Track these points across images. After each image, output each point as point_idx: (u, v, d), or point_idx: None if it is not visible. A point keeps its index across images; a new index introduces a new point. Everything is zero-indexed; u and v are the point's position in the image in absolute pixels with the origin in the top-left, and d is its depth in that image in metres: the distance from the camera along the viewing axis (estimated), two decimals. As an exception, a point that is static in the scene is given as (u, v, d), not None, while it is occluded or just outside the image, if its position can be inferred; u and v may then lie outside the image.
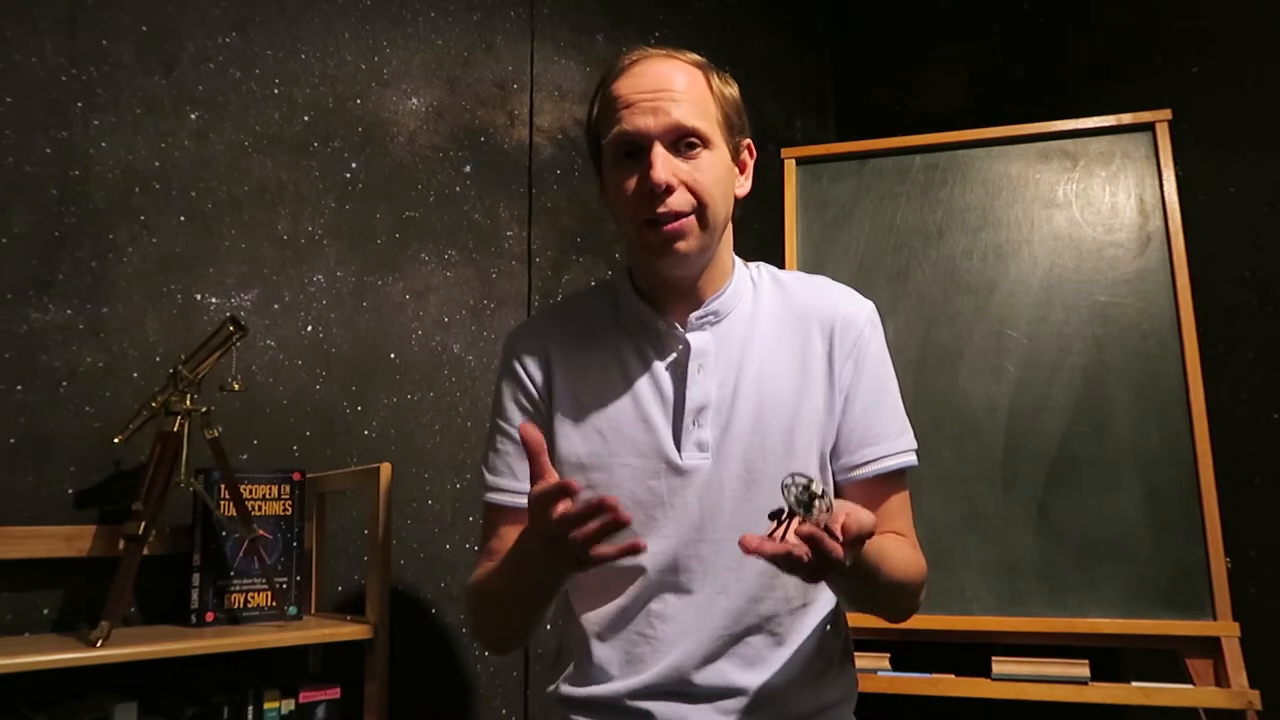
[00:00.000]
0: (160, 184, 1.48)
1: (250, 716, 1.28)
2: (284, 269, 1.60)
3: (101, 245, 1.41)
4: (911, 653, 1.83)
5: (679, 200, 0.99)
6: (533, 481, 0.84)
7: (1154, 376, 1.76)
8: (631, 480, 1.03)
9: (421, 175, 1.79)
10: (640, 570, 1.03)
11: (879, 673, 1.76)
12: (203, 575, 1.34)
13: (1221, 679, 1.60)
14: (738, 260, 1.12)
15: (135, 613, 1.37)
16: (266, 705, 1.29)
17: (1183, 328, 1.75)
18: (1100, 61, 2.19)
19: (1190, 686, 1.62)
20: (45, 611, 1.31)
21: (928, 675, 1.73)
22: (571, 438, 1.06)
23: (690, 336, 1.06)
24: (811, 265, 1.99)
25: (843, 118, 2.66)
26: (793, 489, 0.78)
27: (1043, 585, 1.74)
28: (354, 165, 1.71)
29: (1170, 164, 1.82)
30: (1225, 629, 1.62)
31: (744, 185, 1.10)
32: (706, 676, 1.01)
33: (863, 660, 1.76)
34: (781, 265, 1.97)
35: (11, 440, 1.31)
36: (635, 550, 0.81)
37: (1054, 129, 1.91)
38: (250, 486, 1.39)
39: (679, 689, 1.01)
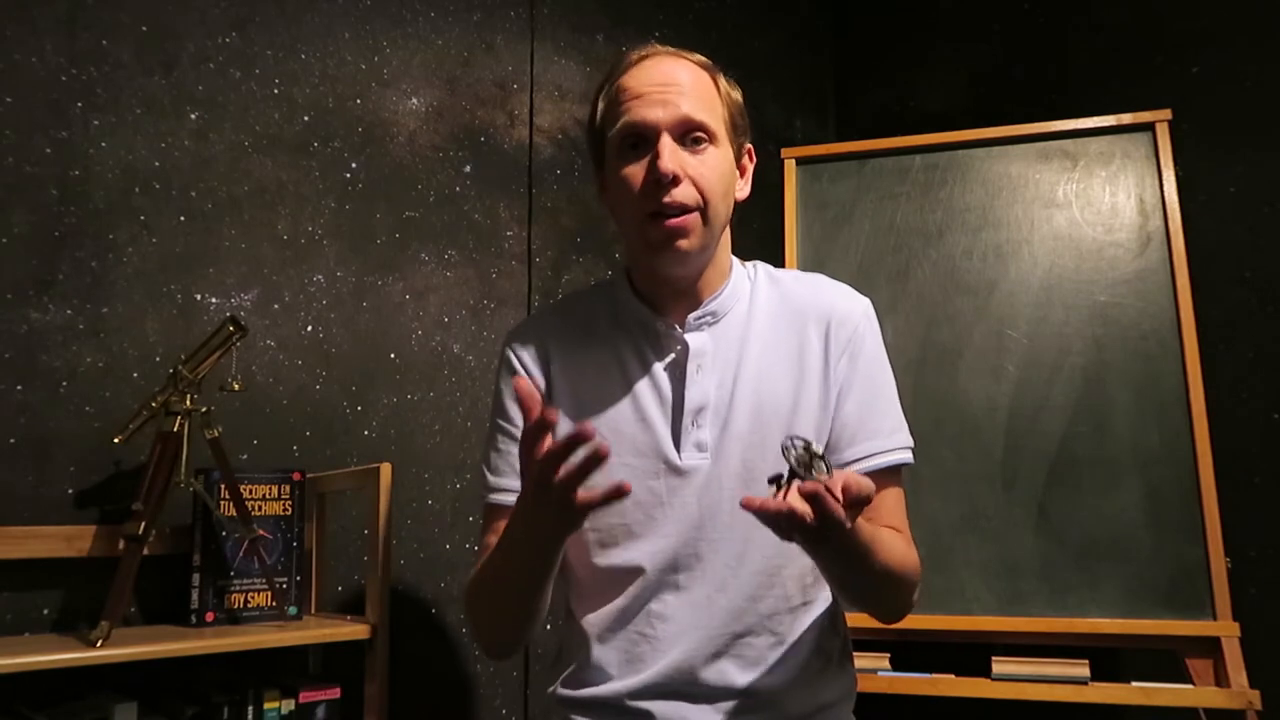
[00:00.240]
0: (160, 184, 1.48)
1: (250, 716, 1.28)
2: (284, 269, 1.60)
3: (101, 245, 1.41)
4: (911, 653, 1.83)
5: (684, 193, 0.99)
6: (525, 419, 0.81)
7: (1154, 376, 1.76)
8: (631, 480, 1.03)
9: (421, 175, 1.80)
10: (639, 570, 1.03)
11: (879, 673, 1.77)
12: (203, 575, 1.33)
13: (1221, 679, 1.60)
14: (735, 260, 1.13)
15: (135, 613, 1.37)
16: (266, 705, 1.29)
17: (1183, 328, 1.75)
18: (1100, 61, 2.19)
19: (1190, 686, 1.62)
20: (45, 611, 1.31)
21: (928, 675, 1.73)
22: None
23: (688, 337, 1.06)
24: (811, 265, 1.99)
25: (843, 118, 2.66)
26: (793, 450, 0.78)
27: (1043, 585, 1.74)
28: (354, 165, 1.71)
29: (1170, 164, 1.82)
30: (1225, 629, 1.62)
31: (744, 189, 1.10)
32: (706, 676, 1.01)
33: (863, 660, 1.76)
34: (781, 265, 1.97)
35: (11, 440, 1.31)
36: (621, 493, 0.79)
37: (1054, 129, 1.91)
38: (250, 486, 1.39)
39: (679, 688, 1.01)
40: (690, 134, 1.01)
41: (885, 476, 1.06)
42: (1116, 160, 1.87)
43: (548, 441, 0.80)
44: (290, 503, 1.43)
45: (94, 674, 1.26)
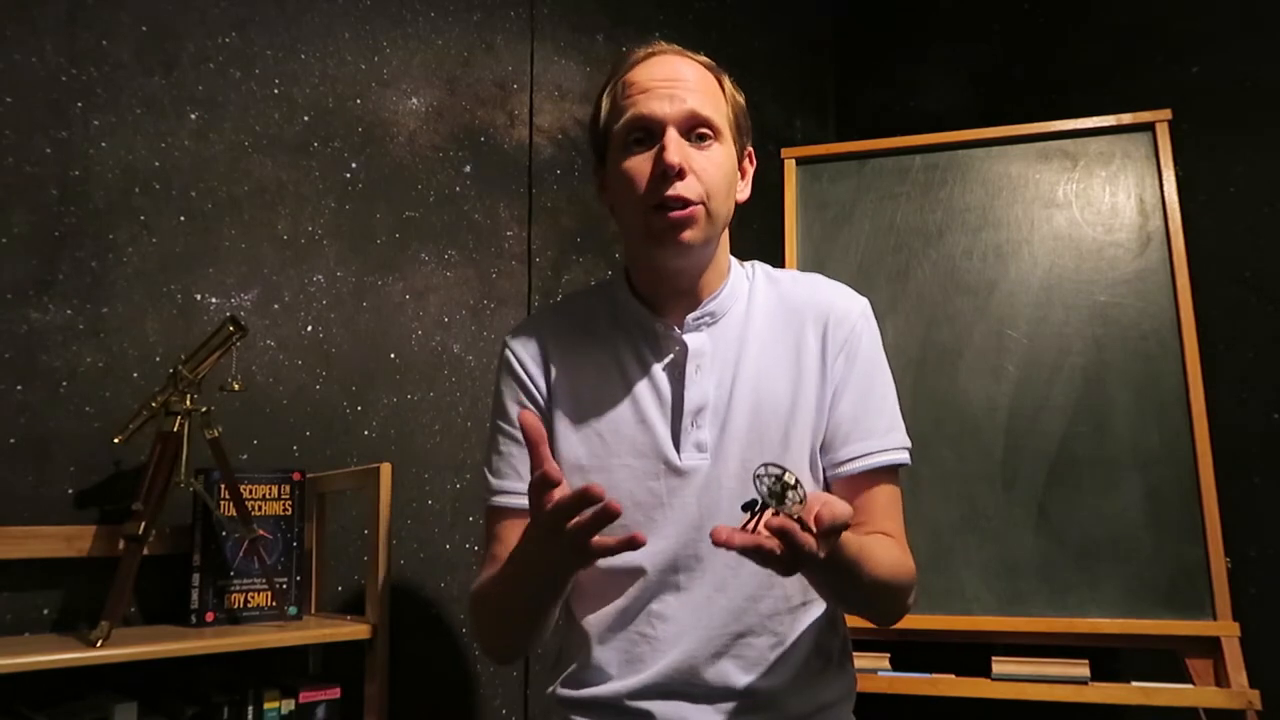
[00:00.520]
0: (160, 184, 1.48)
1: (250, 716, 1.28)
2: (284, 269, 1.60)
3: (101, 245, 1.41)
4: (911, 653, 1.83)
5: (688, 187, 0.99)
6: (533, 471, 0.83)
7: (1154, 376, 1.76)
8: (631, 481, 1.03)
9: (421, 175, 1.80)
10: (640, 571, 1.03)
11: (879, 673, 1.77)
12: (203, 575, 1.33)
13: (1221, 679, 1.60)
14: (733, 260, 1.13)
15: (135, 613, 1.37)
16: (266, 705, 1.29)
17: (1183, 328, 1.75)
18: (1100, 61, 2.19)
19: (1190, 686, 1.62)
20: (45, 611, 1.31)
21: (928, 675, 1.73)
22: (570, 439, 1.06)
23: (687, 338, 1.06)
24: (811, 265, 1.99)
25: (843, 118, 2.66)
26: (765, 479, 0.77)
27: (1043, 585, 1.74)
28: (354, 165, 1.71)
29: (1170, 164, 1.82)
30: (1225, 629, 1.62)
31: (744, 190, 1.10)
32: (706, 676, 1.01)
33: (863, 660, 1.76)
34: (781, 265, 1.97)
35: (11, 440, 1.31)
36: (635, 544, 0.79)
37: (1054, 129, 1.91)
38: (250, 486, 1.39)
39: (679, 689, 1.01)
40: (696, 129, 1.01)
41: (879, 477, 1.06)
42: (1116, 160, 1.87)
43: (557, 493, 0.80)
44: (290, 503, 1.43)
45: (94, 674, 1.26)
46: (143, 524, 1.22)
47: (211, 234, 1.53)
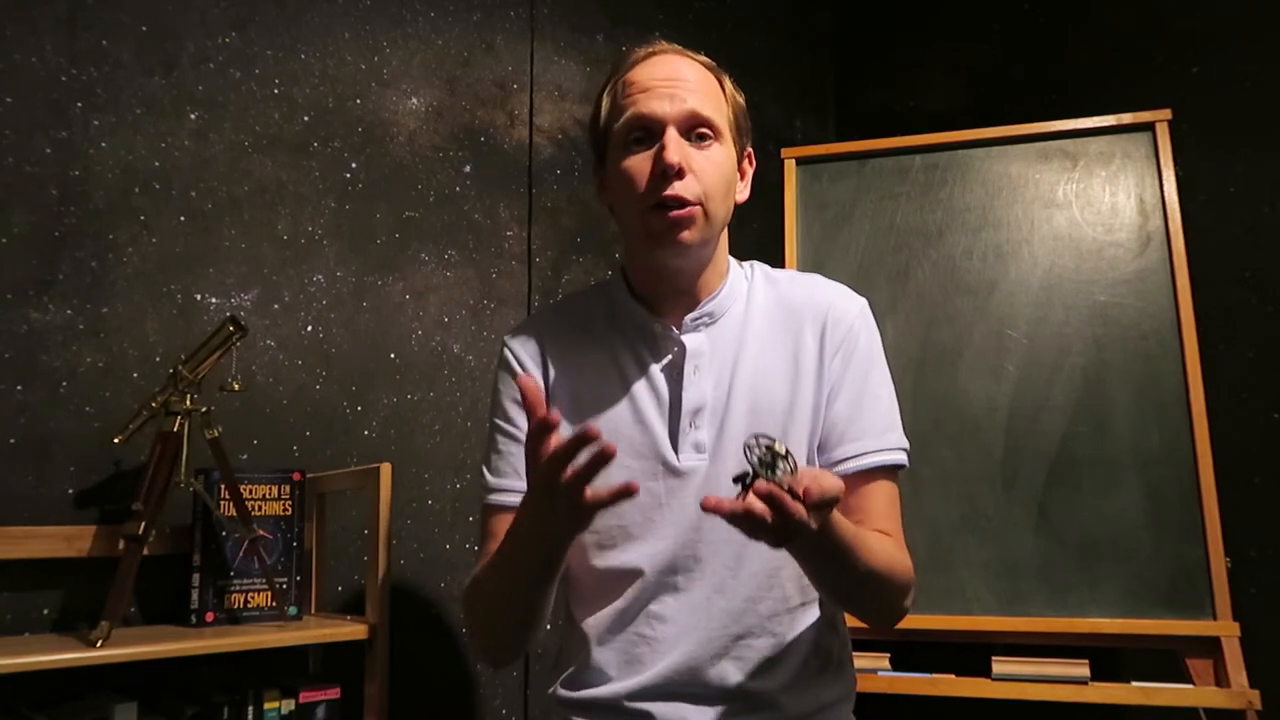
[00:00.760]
0: (160, 184, 1.48)
1: (250, 716, 1.28)
2: (284, 269, 1.60)
3: (101, 245, 1.41)
4: (911, 653, 1.83)
5: (687, 187, 0.99)
6: (530, 418, 0.81)
7: (1154, 376, 1.76)
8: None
9: (421, 175, 1.80)
10: (638, 572, 1.03)
11: (879, 673, 1.77)
12: (203, 575, 1.33)
13: (1221, 679, 1.60)
14: (732, 260, 1.13)
15: (135, 613, 1.37)
16: (266, 705, 1.29)
17: (1183, 328, 1.75)
18: (1100, 61, 2.19)
19: (1190, 686, 1.62)
20: (45, 611, 1.31)
21: (928, 675, 1.73)
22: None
23: (685, 338, 1.06)
24: (811, 265, 1.99)
25: (843, 118, 2.66)
26: (755, 450, 0.76)
27: (1043, 585, 1.74)
28: (354, 165, 1.71)
29: (1170, 164, 1.82)
30: (1225, 629, 1.62)
31: (743, 191, 1.10)
32: (706, 677, 1.01)
33: (863, 660, 1.76)
34: (782, 265, 1.98)
35: (11, 440, 1.31)
36: (629, 492, 0.78)
37: (1054, 129, 1.91)
38: (250, 486, 1.39)
39: (678, 690, 1.01)
40: (696, 129, 1.01)
41: (875, 477, 1.05)
42: (1116, 160, 1.87)
43: (553, 441, 0.80)
44: (290, 503, 1.43)
45: (94, 674, 1.26)
46: (143, 524, 1.22)
47: (211, 234, 1.53)
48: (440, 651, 1.71)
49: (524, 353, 1.11)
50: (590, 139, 1.10)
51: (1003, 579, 1.76)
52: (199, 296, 1.50)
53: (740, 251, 1.15)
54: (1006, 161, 1.94)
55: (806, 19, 2.68)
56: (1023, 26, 2.33)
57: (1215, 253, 1.93)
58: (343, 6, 1.72)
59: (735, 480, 0.78)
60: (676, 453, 1.03)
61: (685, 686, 1.01)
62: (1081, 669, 1.65)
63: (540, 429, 0.79)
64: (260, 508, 1.39)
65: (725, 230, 1.08)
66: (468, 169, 1.86)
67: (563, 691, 1.07)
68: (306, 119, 1.65)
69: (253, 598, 1.37)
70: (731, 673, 1.01)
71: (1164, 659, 1.73)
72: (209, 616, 1.33)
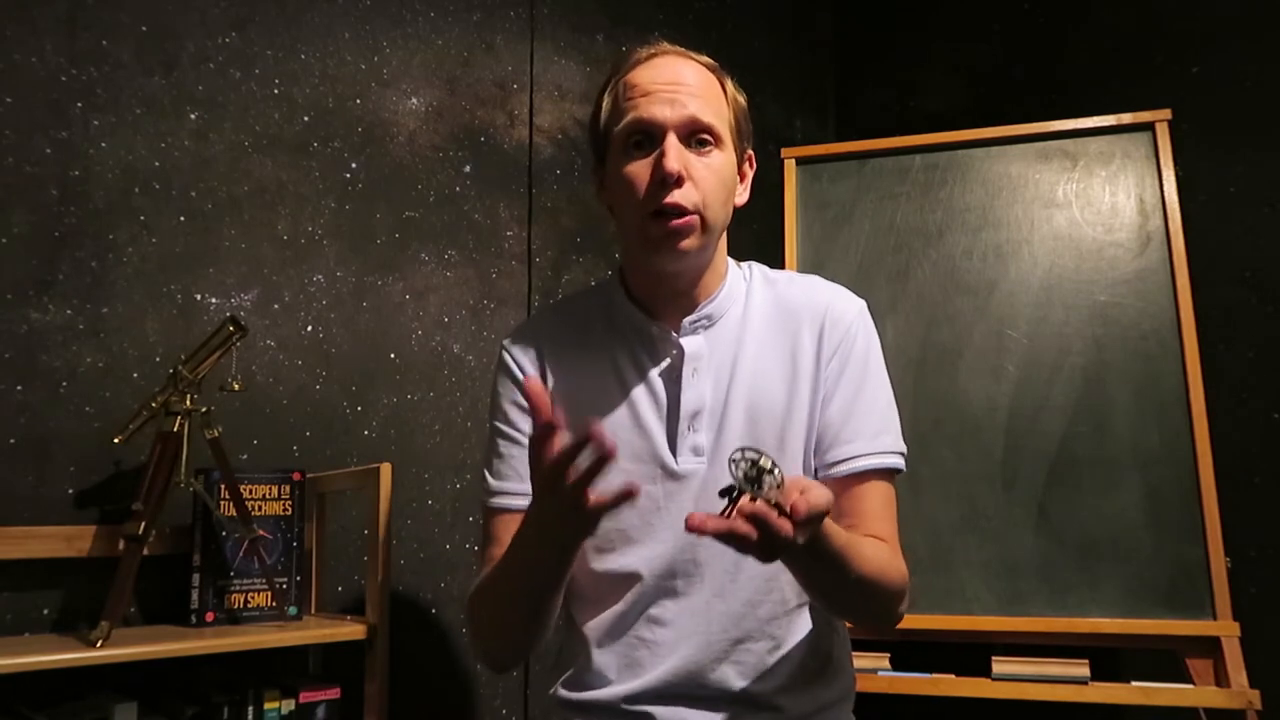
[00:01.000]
0: (160, 184, 1.48)
1: (250, 716, 1.28)
2: (284, 269, 1.60)
3: (101, 245, 1.41)
4: (911, 653, 1.83)
5: (687, 194, 0.98)
6: (535, 421, 0.81)
7: (1154, 376, 1.76)
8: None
9: (421, 175, 1.80)
10: (637, 576, 1.02)
11: (879, 673, 1.77)
12: (203, 575, 1.34)
13: (1221, 679, 1.60)
14: (730, 262, 1.12)
15: (135, 613, 1.37)
16: (266, 705, 1.29)
17: (1183, 328, 1.75)
18: (1100, 61, 2.19)
19: (1190, 686, 1.62)
20: (45, 611, 1.31)
21: (928, 675, 1.73)
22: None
23: (684, 341, 1.06)
24: (811, 265, 1.99)
25: (843, 118, 2.66)
26: (741, 464, 0.76)
27: (1043, 585, 1.74)
28: (354, 165, 1.71)
29: (1170, 164, 1.82)
30: (1225, 629, 1.62)
31: (743, 195, 1.10)
32: (705, 680, 1.01)
33: (863, 660, 1.76)
34: (781, 265, 1.98)
35: (11, 440, 1.31)
36: (631, 494, 0.78)
37: (1054, 129, 1.91)
38: (250, 486, 1.39)
39: (678, 692, 1.01)
40: (696, 135, 1.00)
41: (868, 480, 1.04)
42: (1116, 160, 1.87)
43: (556, 445, 0.79)
44: (290, 503, 1.43)
45: (94, 674, 1.26)
46: (143, 524, 1.22)
47: (211, 234, 1.53)
48: (440, 651, 1.71)
49: (523, 357, 1.10)
50: (590, 139, 1.10)
51: (1003, 579, 1.76)
52: (199, 296, 1.50)
53: (740, 251, 1.15)
54: (1006, 161, 1.94)
55: (806, 19, 2.68)
56: (1023, 26, 2.33)
57: (1215, 253, 1.93)
58: (343, 6, 1.72)
59: (722, 494, 0.78)
60: (675, 456, 1.03)
61: (685, 689, 1.01)
62: (1081, 669, 1.65)
63: (544, 433, 0.79)
64: (260, 508, 1.39)
65: (724, 235, 1.08)
66: (468, 169, 1.86)
67: (563, 693, 1.07)
68: (306, 119, 1.65)
69: (253, 598, 1.37)
70: (731, 675, 1.01)
71: (1164, 659, 1.73)
72: (209, 616, 1.33)
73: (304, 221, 1.63)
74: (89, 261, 1.40)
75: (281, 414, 1.56)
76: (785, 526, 0.74)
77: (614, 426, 1.05)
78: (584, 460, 0.78)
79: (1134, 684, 1.63)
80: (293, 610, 1.40)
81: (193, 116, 1.52)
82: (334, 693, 1.35)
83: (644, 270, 1.07)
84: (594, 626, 1.05)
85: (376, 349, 1.69)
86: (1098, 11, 2.20)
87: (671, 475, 1.03)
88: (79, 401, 1.36)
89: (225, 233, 1.54)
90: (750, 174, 1.11)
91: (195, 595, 1.33)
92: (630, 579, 1.03)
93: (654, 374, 1.06)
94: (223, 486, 1.35)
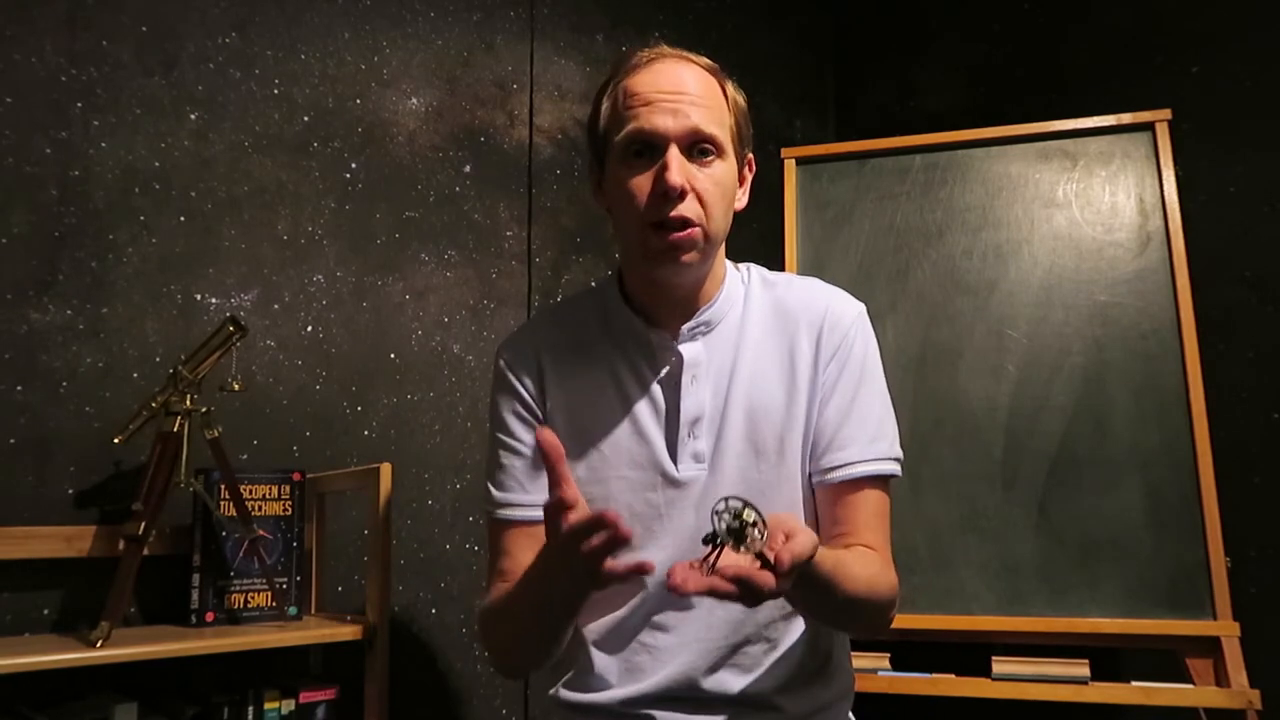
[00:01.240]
0: (160, 184, 1.48)
1: (250, 716, 1.28)
2: (284, 269, 1.60)
3: (101, 245, 1.41)
4: (911, 653, 1.83)
5: (689, 207, 0.97)
6: (550, 488, 0.82)
7: (1154, 376, 1.76)
8: (628, 493, 1.03)
9: (421, 175, 1.80)
10: (640, 583, 1.02)
11: (879, 673, 1.76)
12: (203, 575, 1.34)
13: (1221, 679, 1.60)
14: (729, 264, 1.11)
15: (135, 613, 1.37)
16: (266, 705, 1.29)
17: (1183, 328, 1.75)
18: (1100, 61, 2.19)
19: (1190, 686, 1.62)
20: (45, 611, 1.31)
21: (928, 675, 1.73)
22: (568, 455, 1.05)
23: (683, 348, 1.05)
24: (811, 265, 1.99)
25: (843, 118, 2.66)
26: (724, 516, 0.75)
27: (1043, 585, 1.74)
28: (354, 165, 1.71)
29: (1170, 164, 1.82)
30: (1225, 629, 1.62)
31: (742, 199, 1.09)
32: (706, 684, 1.01)
33: (863, 660, 1.76)
34: (781, 266, 1.98)
35: (11, 440, 1.31)
36: (643, 571, 0.78)
37: (1054, 129, 1.91)
38: (250, 486, 1.39)
39: (678, 696, 1.01)
40: (698, 145, 0.99)
41: (862, 486, 1.03)
42: (1116, 160, 1.87)
43: (570, 517, 0.79)
44: (290, 503, 1.43)
45: (94, 674, 1.26)
46: (143, 524, 1.22)
47: (211, 234, 1.53)
48: (440, 651, 1.71)
49: (520, 365, 1.09)
50: (588, 140, 1.09)
51: (1003, 579, 1.76)
52: (199, 296, 1.50)
53: (740, 252, 1.14)
54: (1006, 161, 1.94)
55: (806, 19, 2.68)
56: (1023, 26, 2.33)
57: (1215, 253, 1.93)
58: (343, 6, 1.72)
59: (705, 541, 0.77)
60: (675, 463, 1.03)
61: (685, 693, 1.01)
62: (1081, 669, 1.65)
63: (558, 506, 0.79)
64: (260, 508, 1.39)
65: (723, 242, 1.07)
66: (468, 169, 1.86)
67: (563, 694, 1.06)
68: (306, 119, 1.65)
69: (253, 598, 1.37)
70: (730, 679, 1.01)
71: (1164, 659, 1.72)
72: (209, 616, 1.33)
73: (304, 221, 1.63)
74: (89, 261, 1.40)
75: (281, 414, 1.56)
76: (767, 580, 0.74)
77: (613, 435, 1.04)
78: (599, 539, 0.77)
79: (1134, 684, 1.63)
80: (293, 610, 1.40)
81: (193, 116, 1.52)
82: (334, 693, 1.35)
83: (643, 278, 1.06)
84: (595, 630, 1.05)
85: (376, 349, 1.69)
86: (1098, 11, 2.20)
87: (672, 482, 1.02)
88: (79, 401, 1.36)
89: (225, 233, 1.54)
90: (750, 178, 1.10)
91: (195, 595, 1.33)
92: (634, 586, 1.02)
93: (653, 381, 1.06)
94: (223, 486, 1.35)
